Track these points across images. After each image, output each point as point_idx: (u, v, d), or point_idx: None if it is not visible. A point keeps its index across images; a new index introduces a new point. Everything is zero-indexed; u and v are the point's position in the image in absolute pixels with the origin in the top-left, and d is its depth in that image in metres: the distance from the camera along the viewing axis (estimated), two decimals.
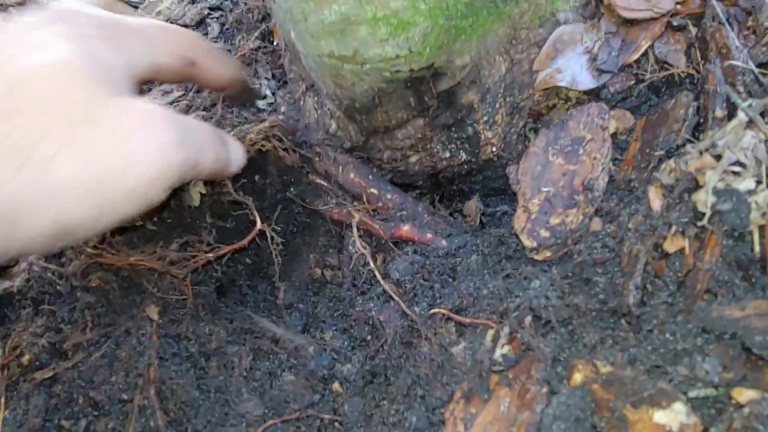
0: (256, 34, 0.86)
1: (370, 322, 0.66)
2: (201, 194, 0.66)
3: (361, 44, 0.56)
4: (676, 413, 0.38)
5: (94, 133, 0.41)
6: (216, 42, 0.91)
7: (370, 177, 0.72)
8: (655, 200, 0.49)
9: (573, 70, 0.63)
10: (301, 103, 0.75)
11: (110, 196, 0.42)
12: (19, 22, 0.45)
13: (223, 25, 0.93)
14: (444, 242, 0.67)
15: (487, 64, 0.63)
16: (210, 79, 0.61)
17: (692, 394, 0.39)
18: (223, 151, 0.55)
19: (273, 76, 0.85)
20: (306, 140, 0.74)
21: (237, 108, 0.84)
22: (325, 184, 0.74)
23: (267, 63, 0.85)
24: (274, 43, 0.86)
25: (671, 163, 0.49)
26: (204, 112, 0.80)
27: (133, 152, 0.42)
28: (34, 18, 0.46)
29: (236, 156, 0.59)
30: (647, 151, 0.58)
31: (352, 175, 0.72)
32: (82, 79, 0.42)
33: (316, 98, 0.72)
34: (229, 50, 0.88)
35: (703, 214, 0.44)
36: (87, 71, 0.43)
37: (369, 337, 0.65)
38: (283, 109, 0.78)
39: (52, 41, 0.43)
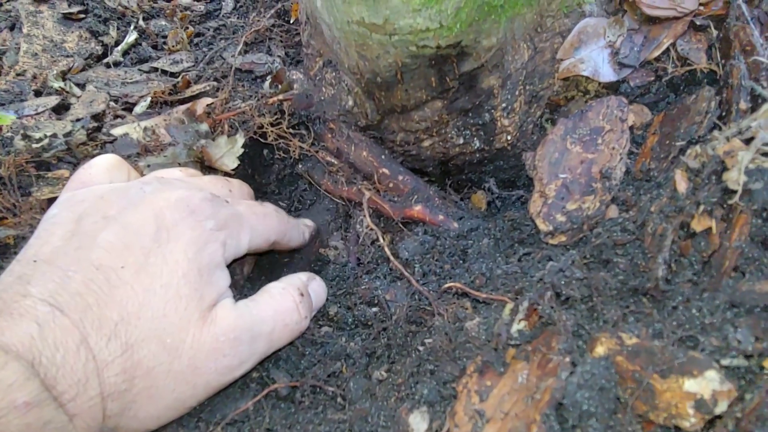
0: (272, 12, 0.86)
1: (376, 301, 0.64)
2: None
3: (392, 12, 0.56)
4: (708, 381, 0.38)
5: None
6: (229, 18, 0.90)
7: (383, 157, 0.72)
8: (681, 183, 0.49)
9: (595, 62, 0.64)
10: (317, 79, 0.74)
11: None
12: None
13: (237, 1, 0.92)
14: (455, 224, 0.66)
15: (511, 49, 0.63)
16: (282, 249, 0.69)
17: (725, 362, 0.38)
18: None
19: (286, 54, 0.84)
20: (320, 116, 0.73)
21: (248, 81, 0.82)
22: (336, 161, 0.73)
23: (281, 41, 0.84)
24: (290, 22, 0.86)
25: (697, 148, 0.50)
26: (215, 83, 0.79)
27: None
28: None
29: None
30: (667, 142, 0.58)
31: (364, 154, 0.71)
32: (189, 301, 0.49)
33: (334, 74, 0.72)
34: (242, 26, 0.87)
35: (733, 194, 0.44)
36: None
37: (374, 316, 0.63)
38: (296, 85, 0.77)
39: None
